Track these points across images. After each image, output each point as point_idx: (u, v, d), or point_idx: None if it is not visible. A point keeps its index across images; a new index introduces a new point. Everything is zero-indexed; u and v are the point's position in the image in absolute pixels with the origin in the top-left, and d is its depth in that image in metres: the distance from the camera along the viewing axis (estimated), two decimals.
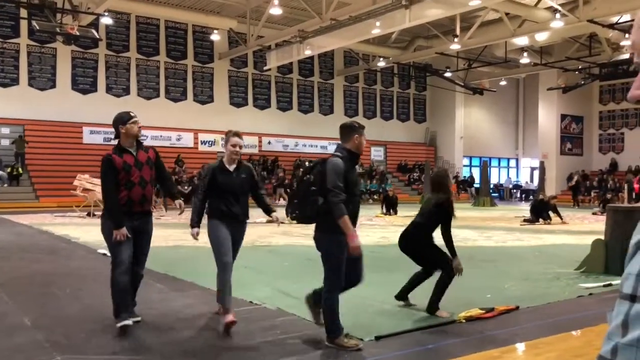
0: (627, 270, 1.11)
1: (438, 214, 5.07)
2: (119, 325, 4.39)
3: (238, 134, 4.79)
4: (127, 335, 4.32)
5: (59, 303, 5.58)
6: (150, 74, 25.62)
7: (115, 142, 4.77)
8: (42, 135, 22.90)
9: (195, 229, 4.71)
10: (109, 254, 8.31)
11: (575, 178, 27.73)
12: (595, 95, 32.41)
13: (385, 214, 18.17)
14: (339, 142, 4.31)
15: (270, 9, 20.35)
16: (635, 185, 24.10)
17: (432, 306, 4.96)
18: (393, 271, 7.01)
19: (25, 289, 6.22)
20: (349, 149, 4.21)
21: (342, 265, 4.07)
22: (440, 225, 5.06)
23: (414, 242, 5.22)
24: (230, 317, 4.45)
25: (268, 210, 5.01)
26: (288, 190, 23.33)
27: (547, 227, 14.91)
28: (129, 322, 4.42)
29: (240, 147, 4.76)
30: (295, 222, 4.36)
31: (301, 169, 4.77)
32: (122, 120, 4.64)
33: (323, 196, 4.00)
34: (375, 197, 26.67)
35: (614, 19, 20.56)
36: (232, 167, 4.73)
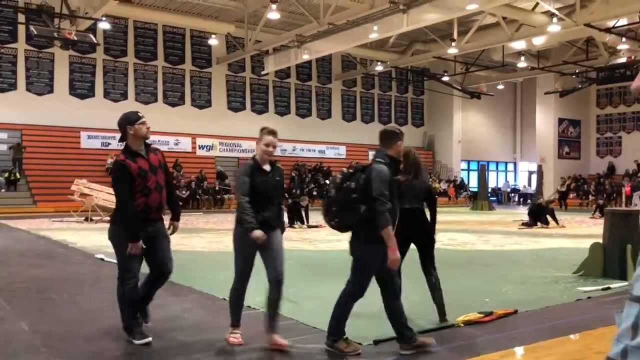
0: (638, 272, 1.11)
1: (430, 196, 5.12)
2: (139, 343, 4.18)
3: (273, 132, 4.25)
4: (124, 341, 4.30)
5: (57, 308, 5.56)
6: (148, 79, 25.62)
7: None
8: (39, 140, 22.87)
9: (260, 232, 4.07)
10: (107, 259, 8.35)
11: (567, 182, 27.80)
12: (592, 99, 32.49)
13: None
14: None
15: (268, 14, 20.37)
16: (627, 189, 24.21)
17: (444, 312, 4.97)
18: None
19: (23, 294, 6.21)
20: (391, 156, 4.08)
21: (371, 276, 4.03)
22: (429, 205, 5.08)
23: (427, 229, 5.05)
24: (236, 337, 4.22)
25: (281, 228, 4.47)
26: (285, 195, 23.31)
27: (545, 230, 14.92)
28: (150, 339, 4.24)
29: (275, 146, 4.25)
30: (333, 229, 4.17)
31: (339, 175, 4.27)
32: (130, 120, 4.30)
33: (365, 204, 3.90)
34: None
35: (611, 23, 20.60)
36: (267, 168, 4.26)
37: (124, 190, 4.21)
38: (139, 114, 4.38)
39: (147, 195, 4.24)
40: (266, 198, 4.18)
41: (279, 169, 4.35)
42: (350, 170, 4.16)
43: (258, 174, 4.16)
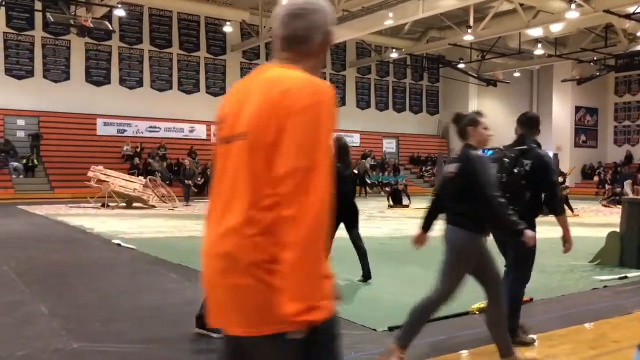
0: None
1: (354, 180, 6.62)
2: None
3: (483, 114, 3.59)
4: (141, 325, 4.37)
5: (75, 292, 5.65)
6: (163, 66, 25.69)
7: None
8: (56, 127, 23.09)
9: (533, 232, 3.51)
10: (124, 245, 8.44)
11: (567, 174, 27.57)
12: (610, 87, 32.00)
13: (392, 206, 18.17)
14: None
15: (282, 0, 20.29)
16: None
17: (370, 275, 5.99)
18: (405, 263, 7.01)
19: (42, 278, 6.31)
20: (537, 141, 4.09)
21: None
22: (354, 188, 6.69)
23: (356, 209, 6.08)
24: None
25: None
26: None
27: None
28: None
29: None
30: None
31: (506, 160, 3.87)
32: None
33: (531, 191, 3.87)
34: (387, 189, 26.65)
35: (631, 9, 20.25)
36: None
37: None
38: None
39: None
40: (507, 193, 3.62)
41: None
42: (512, 154, 4.03)
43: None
